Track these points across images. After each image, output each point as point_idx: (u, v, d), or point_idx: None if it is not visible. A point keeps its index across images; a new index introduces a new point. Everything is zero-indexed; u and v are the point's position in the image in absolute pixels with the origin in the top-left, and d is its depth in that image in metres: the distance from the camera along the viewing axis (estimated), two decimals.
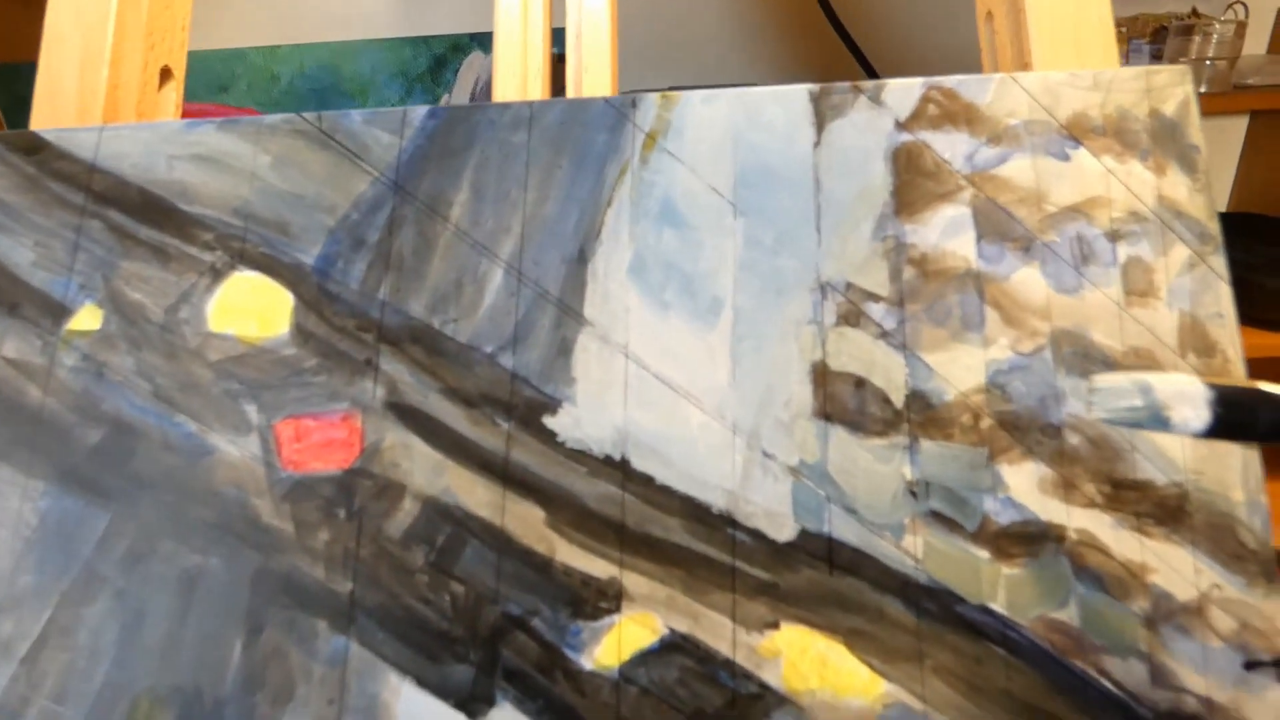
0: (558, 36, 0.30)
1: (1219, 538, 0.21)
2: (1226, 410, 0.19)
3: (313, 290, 0.25)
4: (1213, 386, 0.20)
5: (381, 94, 1.06)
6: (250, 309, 0.25)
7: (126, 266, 0.26)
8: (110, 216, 0.26)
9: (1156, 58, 0.96)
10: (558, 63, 0.30)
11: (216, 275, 0.26)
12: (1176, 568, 0.21)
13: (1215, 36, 0.93)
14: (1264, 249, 0.90)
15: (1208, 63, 0.98)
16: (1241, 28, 0.97)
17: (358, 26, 1.12)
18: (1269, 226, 0.94)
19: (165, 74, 0.36)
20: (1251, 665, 0.21)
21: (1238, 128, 1.06)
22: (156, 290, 0.26)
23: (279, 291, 0.25)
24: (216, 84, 1.07)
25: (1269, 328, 0.90)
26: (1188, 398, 0.20)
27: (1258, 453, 0.21)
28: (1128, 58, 0.99)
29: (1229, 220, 0.96)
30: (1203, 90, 0.98)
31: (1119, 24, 0.98)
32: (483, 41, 1.06)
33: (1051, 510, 0.22)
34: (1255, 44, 1.08)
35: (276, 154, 0.26)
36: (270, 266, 0.25)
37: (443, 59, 1.09)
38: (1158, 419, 0.20)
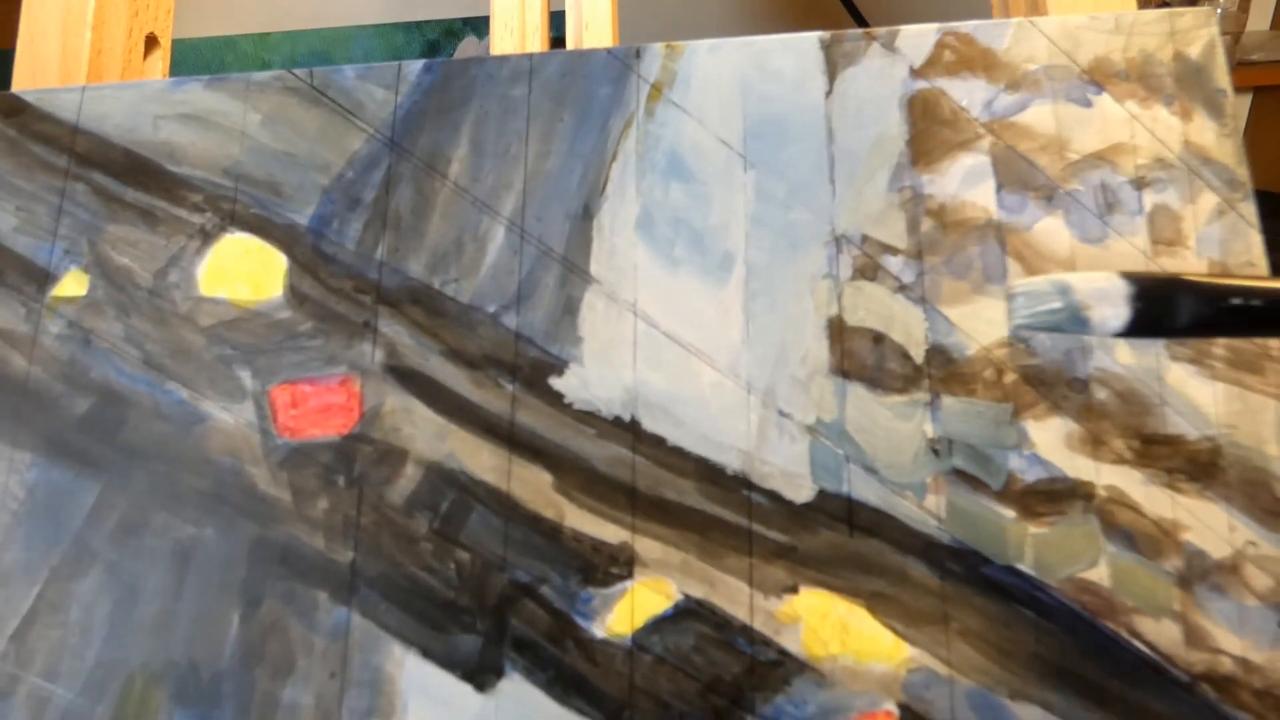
0: (557, 21, 0.29)
1: (1254, 493, 0.20)
2: (1145, 304, 0.18)
3: (307, 251, 0.24)
4: (1130, 279, 0.18)
5: None
6: (242, 272, 0.24)
7: (113, 230, 0.25)
8: (94, 179, 0.25)
9: None
10: (556, 46, 0.29)
11: (207, 237, 0.25)
12: (1210, 525, 0.20)
13: (1219, 12, 0.92)
14: (1268, 224, 0.89)
15: None
16: (1246, 3, 0.96)
17: (349, 13, 1.10)
18: (1274, 202, 0.93)
19: (151, 42, 0.35)
20: None
21: (1241, 104, 1.05)
22: (144, 254, 0.25)
23: (272, 253, 0.24)
24: (205, 72, 1.06)
25: None
26: (1106, 295, 0.18)
27: None
28: None
29: None
30: None
31: None
32: (476, 26, 1.05)
33: (1079, 467, 0.21)
34: (1259, 20, 1.07)
35: (267, 112, 0.25)
36: (263, 228, 0.24)
37: (435, 44, 1.07)
38: (1077, 319, 0.19)
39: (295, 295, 0.24)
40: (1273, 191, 1.02)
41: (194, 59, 1.06)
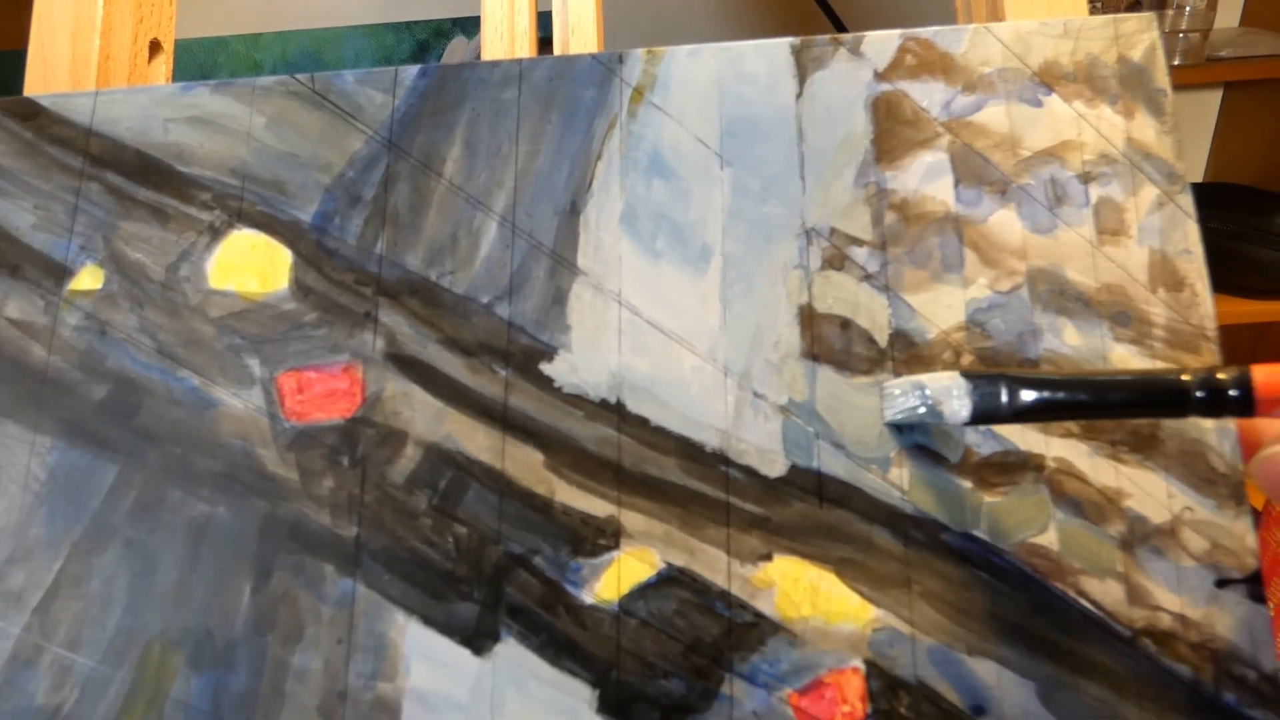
0: (544, 22, 0.31)
1: (1190, 463, 0.22)
2: (979, 398, 0.20)
3: (311, 246, 0.26)
4: (967, 376, 0.21)
5: None
6: (250, 266, 0.26)
7: (126, 227, 0.26)
8: (108, 179, 0.27)
9: None
10: (544, 47, 0.31)
11: (215, 234, 0.26)
12: (1150, 492, 0.22)
13: (1188, 9, 0.94)
14: (1240, 217, 0.92)
15: (1181, 35, 0.99)
16: (1214, 0, 0.98)
17: (340, 13, 1.11)
18: (1245, 195, 0.95)
19: (155, 47, 0.36)
20: (1222, 583, 0.22)
21: (1211, 100, 1.07)
22: (156, 249, 0.26)
23: (278, 248, 0.26)
24: (199, 73, 1.06)
25: (1246, 295, 0.92)
26: (950, 391, 0.21)
27: None
28: None
29: (1206, 190, 0.97)
30: (1176, 63, 0.99)
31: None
32: (465, 26, 1.06)
33: (1031, 441, 0.23)
34: (1227, 17, 1.10)
35: (271, 115, 0.27)
36: (268, 224, 0.26)
37: (425, 44, 1.09)
38: (935, 413, 0.21)
39: (300, 288, 0.25)
40: (1242, 185, 1.04)
41: (187, 60, 1.07)
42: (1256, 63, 1.00)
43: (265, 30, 1.10)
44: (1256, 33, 1.04)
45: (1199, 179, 1.06)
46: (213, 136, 0.27)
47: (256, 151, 0.26)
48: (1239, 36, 1.03)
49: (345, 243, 0.26)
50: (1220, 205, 0.93)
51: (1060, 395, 0.20)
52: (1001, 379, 0.20)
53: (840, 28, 0.86)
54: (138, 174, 0.27)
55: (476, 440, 0.24)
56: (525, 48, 0.31)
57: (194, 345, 0.25)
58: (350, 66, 1.05)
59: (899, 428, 0.23)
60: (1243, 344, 1.00)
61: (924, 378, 0.22)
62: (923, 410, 0.22)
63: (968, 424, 0.21)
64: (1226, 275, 0.90)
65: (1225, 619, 0.22)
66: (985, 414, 0.20)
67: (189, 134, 0.27)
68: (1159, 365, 0.23)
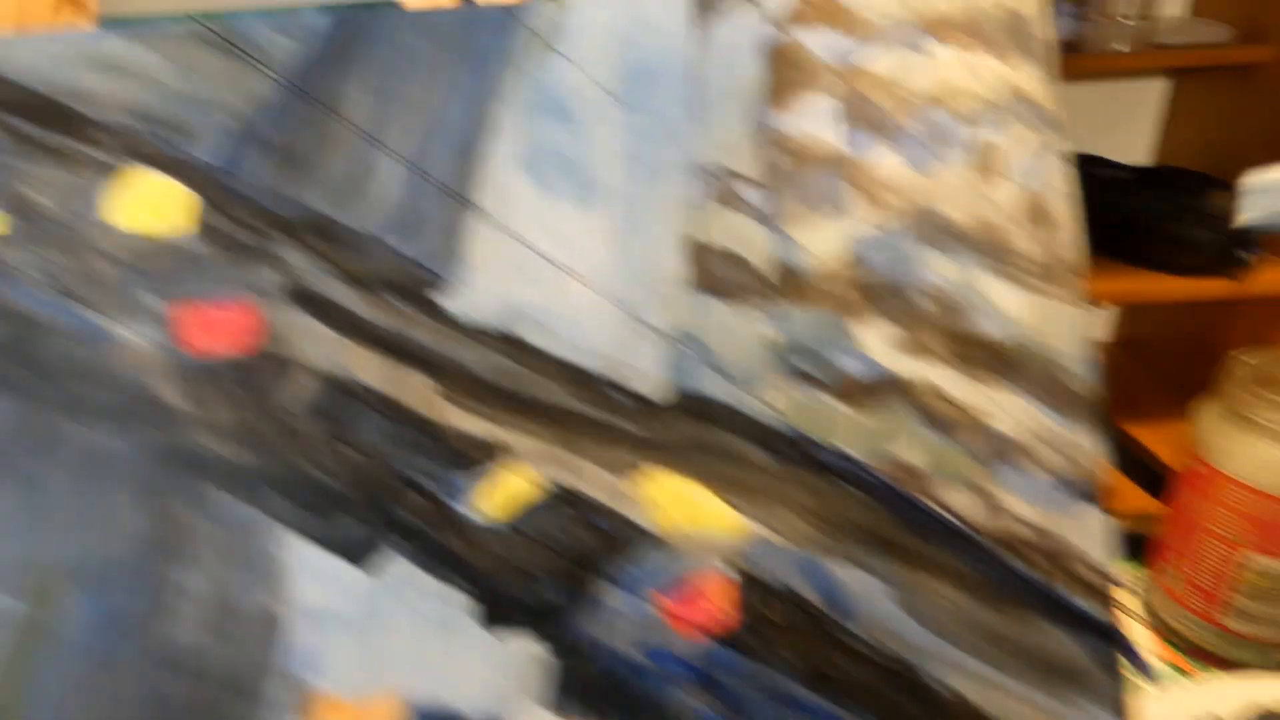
0: None
1: (1049, 385, 0.24)
2: None
3: (212, 186, 0.26)
4: None
5: None
6: (149, 204, 0.26)
7: (28, 170, 0.27)
8: (10, 122, 0.27)
9: (1076, 16, 0.99)
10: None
11: (117, 174, 0.26)
12: (1009, 411, 0.23)
13: None
14: (1177, 198, 0.94)
15: (1128, 22, 1.01)
16: None
17: None
18: (1187, 179, 0.98)
19: (75, 3, 0.36)
20: (1072, 495, 0.23)
21: (1157, 86, 1.09)
22: (59, 191, 0.26)
23: (179, 188, 0.26)
24: None
25: (1187, 273, 0.94)
26: None
27: (1084, 308, 0.24)
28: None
29: (1147, 173, 0.99)
30: (1124, 49, 1.02)
31: None
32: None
33: (900, 363, 0.24)
34: (1177, 4, 1.12)
35: (175, 58, 0.27)
36: (170, 165, 0.26)
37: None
38: None
39: (201, 226, 0.26)
40: (1181, 167, 1.06)
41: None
42: (1200, 50, 1.02)
43: (218, 10, 1.08)
44: (1205, 22, 1.06)
45: (1145, 161, 1.08)
46: (115, 79, 0.27)
47: (159, 94, 0.27)
48: (1185, 24, 1.06)
49: (246, 183, 0.26)
50: (1160, 187, 0.96)
51: None
52: None
53: None
54: (40, 117, 0.27)
55: (372, 370, 0.25)
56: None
57: (94, 283, 0.26)
58: None
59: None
60: (1181, 325, 1.03)
61: None
62: None
63: None
64: (1165, 254, 0.93)
65: (1070, 524, 0.23)
66: None
67: (91, 77, 0.27)
68: (1026, 292, 0.24)
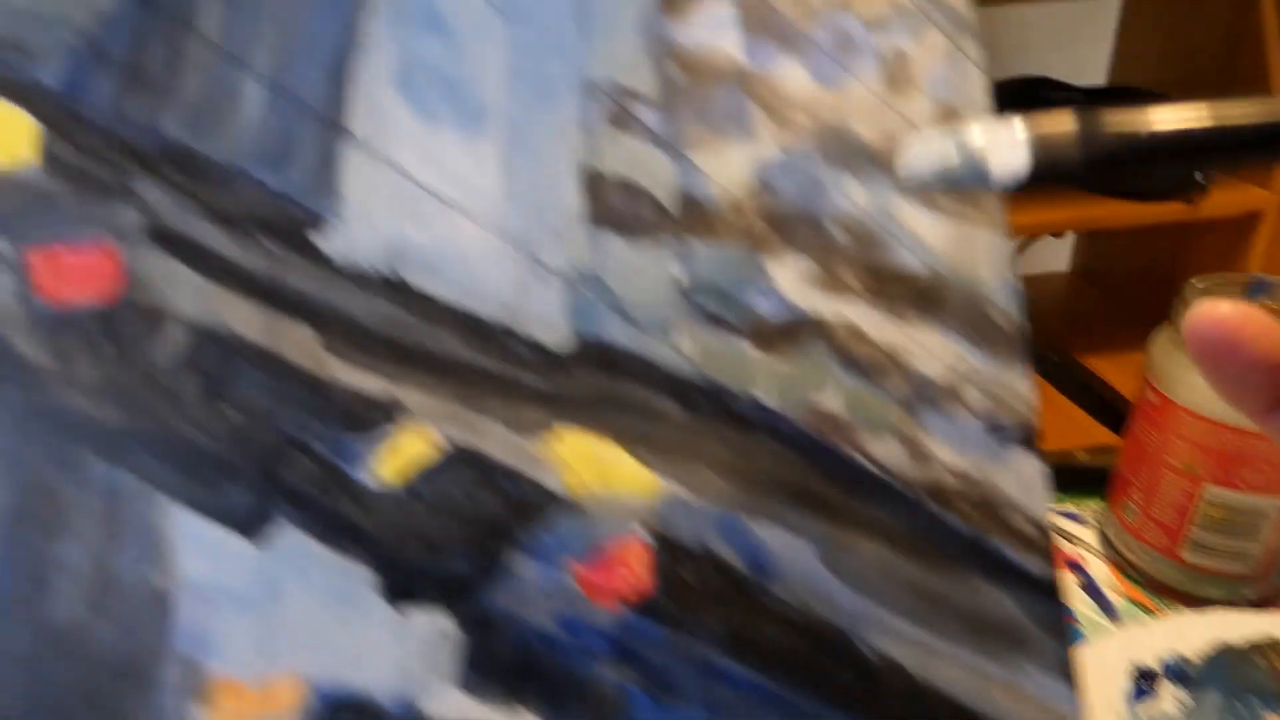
0: None
1: (972, 319, 0.22)
2: (1045, 148, 0.16)
3: (56, 112, 0.23)
4: (1029, 123, 0.17)
5: None
6: None
7: None
8: None
9: None
10: None
11: None
12: (932, 350, 0.22)
13: None
14: None
15: None
16: None
17: None
18: (1142, 99, 0.96)
19: None
20: (999, 434, 0.22)
21: (1112, 3, 1.06)
22: None
23: (19, 114, 0.23)
24: None
25: (1139, 198, 0.93)
26: (1004, 142, 0.17)
27: (1004, 235, 0.22)
28: None
29: (1102, 94, 0.97)
30: None
31: None
32: None
33: (815, 302, 0.22)
34: None
35: None
36: (8, 88, 0.23)
37: None
38: (976, 173, 0.17)
39: (47, 157, 0.23)
40: (1136, 88, 1.04)
41: None
42: None
43: None
44: None
45: (1100, 82, 1.06)
46: None
47: None
48: None
49: (95, 108, 0.23)
50: (1115, 108, 0.93)
51: (1165, 133, 0.16)
52: (1078, 112, 0.16)
53: None
54: None
55: (246, 319, 0.22)
56: None
57: None
58: None
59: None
60: (1133, 248, 1.02)
61: (963, 126, 0.17)
62: (956, 162, 0.17)
63: (1025, 183, 0.17)
64: (1120, 180, 0.92)
65: (1004, 474, 0.22)
66: (1051, 167, 0.17)
67: None
68: (944, 218, 0.22)
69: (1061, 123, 0.17)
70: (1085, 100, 0.93)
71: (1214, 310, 0.16)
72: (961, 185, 0.18)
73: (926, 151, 0.18)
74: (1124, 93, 1.00)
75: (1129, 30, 1.06)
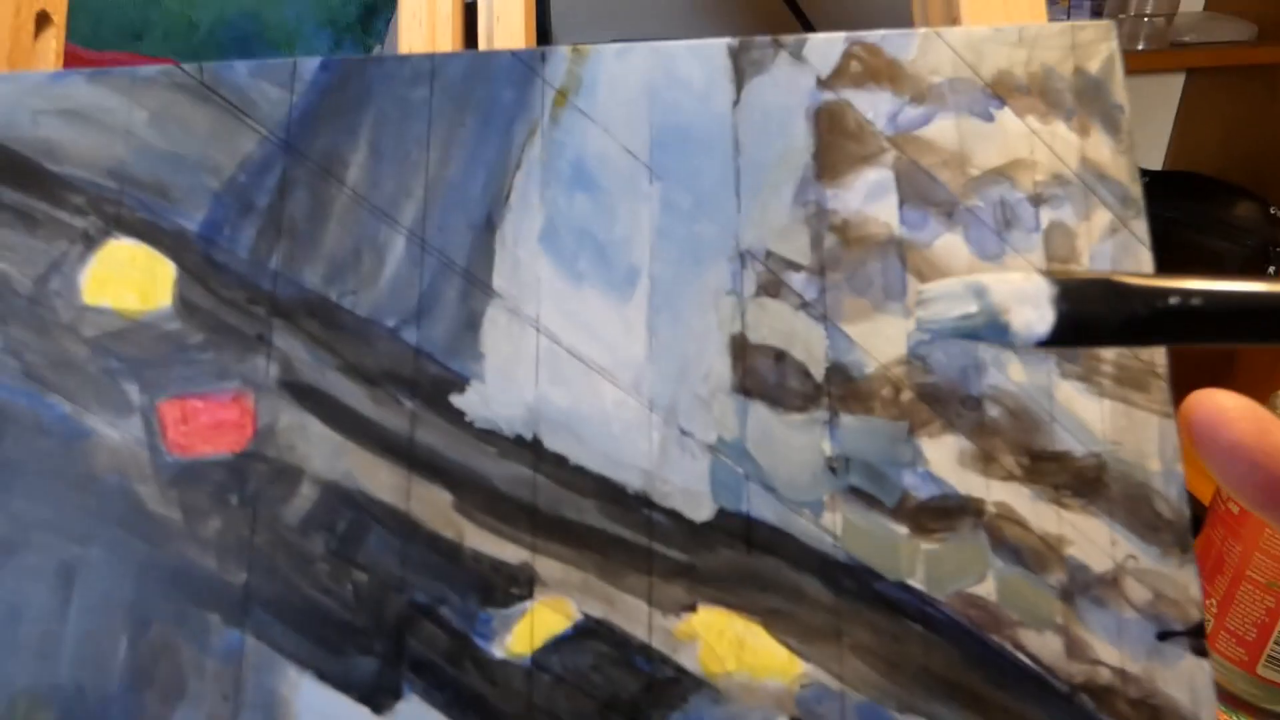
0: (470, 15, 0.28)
1: (1135, 508, 0.21)
2: (1072, 306, 0.16)
3: (197, 259, 0.23)
4: (1054, 280, 0.16)
5: (309, 44, 1.00)
6: (129, 280, 0.23)
7: None
8: None
9: (1097, 13, 0.96)
10: (469, 11, 0.28)
11: (90, 242, 0.23)
12: (1093, 539, 0.21)
13: None
14: (1197, 206, 0.92)
15: (1145, 19, 0.98)
16: None
17: None
18: (1203, 184, 0.95)
19: (42, 19, 0.33)
20: (1165, 636, 0.21)
21: (1174, 85, 1.07)
22: (23, 259, 0.23)
23: (160, 260, 0.23)
24: (130, 31, 1.00)
25: None
26: (1027, 296, 0.16)
27: (1174, 421, 0.21)
28: (1069, 14, 0.99)
29: (1164, 178, 0.97)
30: (1140, 47, 0.99)
31: None
32: None
33: (970, 484, 0.21)
34: (1192, 1, 1.09)
35: (154, 109, 0.24)
36: (150, 233, 0.23)
37: (374, 8, 1.03)
38: (996, 326, 0.16)
39: (185, 305, 0.23)
40: (1202, 173, 1.04)
41: (115, 18, 1.01)
42: (1219, 49, 1.00)
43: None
44: (1220, 18, 1.03)
45: (1159, 166, 1.06)
46: (88, 132, 0.24)
47: (137, 150, 0.24)
48: (1203, 21, 1.03)
49: (236, 256, 0.23)
50: (1178, 195, 0.93)
51: (1196, 303, 0.15)
52: (1108, 284, 0.16)
53: (808, 28, 0.83)
54: (2, 174, 0.24)
55: (379, 478, 0.22)
56: (447, 37, 0.28)
57: (65, 367, 0.23)
58: (293, 28, 1.00)
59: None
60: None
61: (987, 276, 0.17)
62: (977, 319, 0.16)
63: (1041, 344, 0.16)
64: (1182, 265, 0.91)
65: (1166, 673, 0.21)
66: (1075, 331, 0.16)
67: (61, 128, 0.24)
68: (1108, 401, 0.22)
69: (1092, 285, 0.16)
70: (1150, 184, 0.92)
71: (1212, 399, 0.17)
72: (979, 339, 0.17)
73: (947, 301, 0.17)
74: (1183, 177, 1.00)
75: (1190, 112, 1.06)
